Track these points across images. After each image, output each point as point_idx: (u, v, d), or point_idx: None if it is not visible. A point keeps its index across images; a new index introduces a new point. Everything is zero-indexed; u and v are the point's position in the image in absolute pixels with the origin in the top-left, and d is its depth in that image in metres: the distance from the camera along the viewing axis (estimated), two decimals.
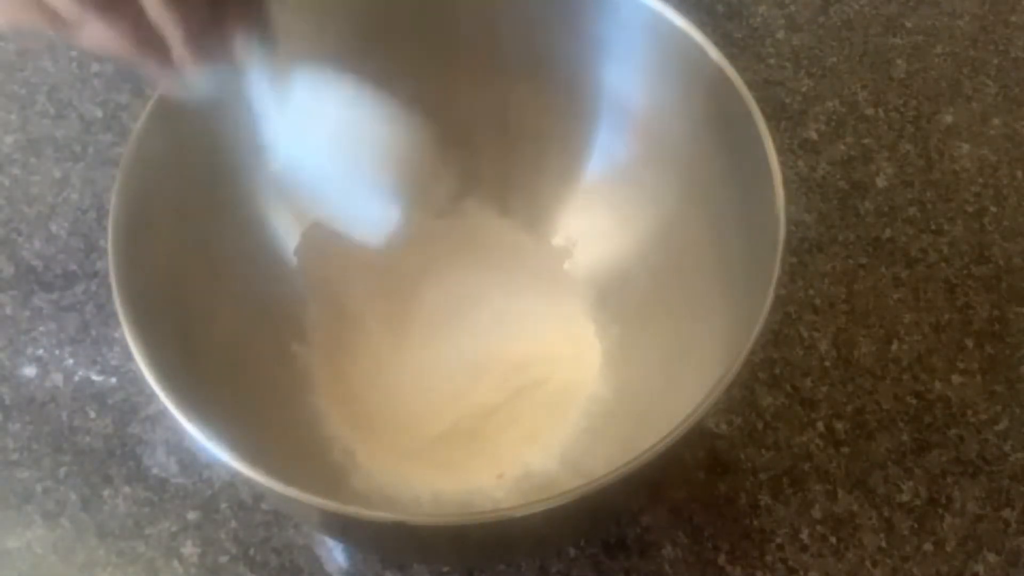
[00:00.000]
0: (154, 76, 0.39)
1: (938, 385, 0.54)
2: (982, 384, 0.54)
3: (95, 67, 0.64)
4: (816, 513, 0.51)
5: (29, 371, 0.54)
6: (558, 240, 0.55)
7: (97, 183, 0.60)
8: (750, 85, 0.43)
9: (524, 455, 0.50)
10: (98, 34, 0.36)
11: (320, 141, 0.43)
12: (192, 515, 0.51)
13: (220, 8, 0.38)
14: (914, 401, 0.54)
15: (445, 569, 0.50)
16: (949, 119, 0.63)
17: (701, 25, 0.45)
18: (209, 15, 0.38)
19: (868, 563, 0.50)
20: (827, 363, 0.54)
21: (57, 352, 0.55)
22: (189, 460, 0.52)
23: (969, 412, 0.53)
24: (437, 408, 0.51)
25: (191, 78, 0.39)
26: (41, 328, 0.56)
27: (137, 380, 0.52)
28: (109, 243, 0.40)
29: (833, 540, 0.50)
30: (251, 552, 0.50)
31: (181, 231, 0.45)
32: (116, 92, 0.63)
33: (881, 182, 0.60)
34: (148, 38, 0.37)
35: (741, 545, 0.50)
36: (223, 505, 0.51)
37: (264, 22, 0.40)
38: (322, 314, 0.52)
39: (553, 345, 0.53)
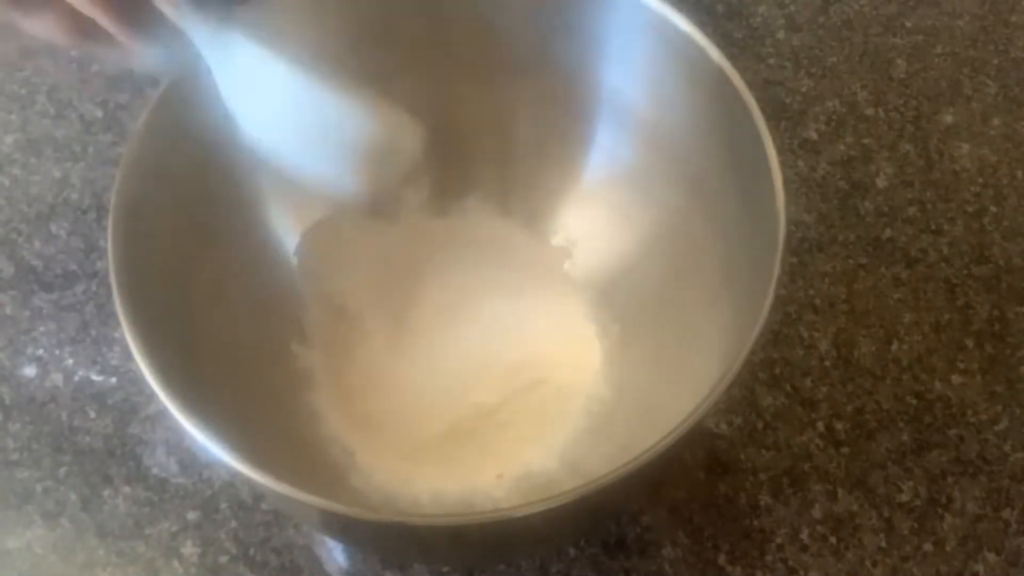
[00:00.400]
0: (105, 60, 0.40)
1: (938, 385, 0.54)
2: (982, 384, 0.54)
3: (95, 67, 0.64)
4: (816, 513, 0.51)
5: (29, 371, 0.54)
6: (558, 240, 0.55)
7: (97, 183, 0.60)
8: (750, 85, 0.43)
9: (524, 455, 0.50)
10: (41, 27, 0.38)
11: (271, 109, 0.44)
12: (192, 515, 0.51)
13: None
14: (914, 401, 0.54)
15: (445, 569, 0.50)
16: (949, 119, 0.63)
17: (701, 25, 0.45)
18: None
19: (868, 563, 0.50)
20: (827, 363, 0.54)
21: (57, 352, 0.55)
22: (189, 460, 0.52)
23: (969, 412, 0.53)
24: (437, 408, 0.51)
25: (141, 56, 0.40)
26: (41, 328, 0.56)
27: (137, 380, 0.52)
28: (109, 243, 0.40)
29: (833, 540, 0.50)
30: (251, 552, 0.50)
31: (181, 232, 0.45)
32: (116, 92, 0.63)
33: (881, 182, 0.60)
34: (83, 26, 0.38)
35: (741, 545, 0.50)
36: (223, 505, 0.51)
37: None
38: (322, 314, 0.52)
39: (553, 345, 0.53)
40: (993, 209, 0.60)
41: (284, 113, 0.44)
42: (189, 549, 0.50)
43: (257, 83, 0.43)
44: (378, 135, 0.45)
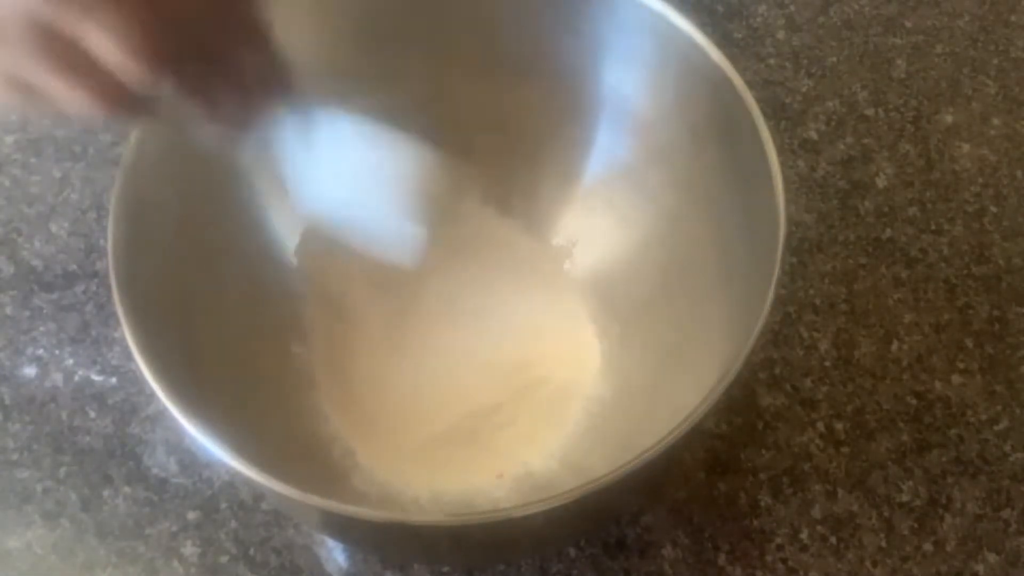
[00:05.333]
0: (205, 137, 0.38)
1: (938, 385, 0.54)
2: (982, 384, 0.54)
3: None
4: (816, 513, 0.51)
5: (29, 371, 0.54)
6: (558, 240, 0.55)
7: (97, 183, 0.60)
8: (750, 85, 0.43)
9: (524, 455, 0.50)
10: (67, 96, 0.32)
11: (343, 180, 0.43)
12: (192, 515, 0.51)
13: (236, 74, 0.36)
14: (914, 401, 0.54)
15: (445, 569, 0.50)
16: (949, 119, 0.63)
17: (701, 25, 0.45)
18: (229, 83, 0.36)
19: (868, 563, 0.50)
20: (827, 363, 0.54)
21: (57, 352, 0.55)
22: (189, 460, 0.52)
23: (969, 412, 0.53)
24: (437, 408, 0.51)
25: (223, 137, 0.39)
26: (41, 328, 0.56)
27: (137, 380, 0.52)
28: (109, 243, 0.40)
29: (833, 540, 0.50)
30: (251, 552, 0.50)
31: (181, 231, 0.45)
32: None
33: (881, 182, 0.60)
34: (132, 99, 0.32)
35: (741, 545, 0.50)
36: (223, 505, 0.51)
37: (289, 86, 0.38)
38: (322, 314, 0.52)
39: (553, 345, 0.53)
40: (993, 209, 0.60)
41: (355, 180, 0.43)
42: (189, 549, 0.50)
43: (331, 156, 0.42)
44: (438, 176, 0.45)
